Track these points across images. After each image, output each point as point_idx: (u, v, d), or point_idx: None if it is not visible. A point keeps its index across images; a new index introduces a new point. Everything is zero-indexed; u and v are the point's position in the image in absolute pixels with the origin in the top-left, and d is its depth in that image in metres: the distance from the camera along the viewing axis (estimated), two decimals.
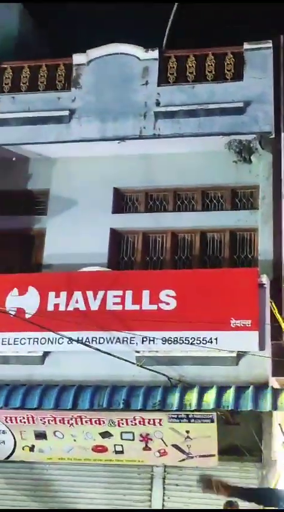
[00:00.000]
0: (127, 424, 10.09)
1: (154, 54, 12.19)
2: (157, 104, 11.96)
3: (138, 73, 12.19)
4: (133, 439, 10.21)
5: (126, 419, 10.07)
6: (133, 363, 10.43)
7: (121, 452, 10.35)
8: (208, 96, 11.84)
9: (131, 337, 10.53)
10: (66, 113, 12.12)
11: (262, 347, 10.29)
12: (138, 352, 10.55)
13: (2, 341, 10.93)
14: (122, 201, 12.55)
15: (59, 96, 12.35)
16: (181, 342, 10.43)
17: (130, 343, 10.54)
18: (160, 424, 10.01)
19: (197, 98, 11.86)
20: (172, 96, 11.99)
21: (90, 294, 10.87)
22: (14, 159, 12.71)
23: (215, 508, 9.84)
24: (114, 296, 10.79)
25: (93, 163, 12.36)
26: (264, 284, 10.60)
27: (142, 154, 12.23)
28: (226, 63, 11.97)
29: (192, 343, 10.38)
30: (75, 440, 10.38)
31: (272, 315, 10.37)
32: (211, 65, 12.08)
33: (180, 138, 11.82)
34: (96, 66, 12.44)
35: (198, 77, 12.03)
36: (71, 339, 10.59)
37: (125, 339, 10.56)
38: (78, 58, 12.48)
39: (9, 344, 10.90)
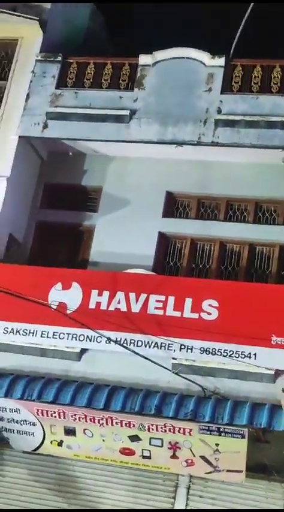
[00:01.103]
0: (157, 430, 10.05)
1: (221, 61, 12.08)
2: (219, 111, 11.85)
3: (203, 79, 12.09)
4: (161, 446, 10.17)
5: (157, 426, 10.03)
6: (168, 370, 10.40)
7: (149, 457, 10.32)
8: (271, 108, 11.68)
9: (169, 344, 10.49)
10: (127, 112, 12.09)
11: None
12: (174, 359, 10.50)
13: (41, 333, 10.99)
14: (173, 206, 12.49)
15: (121, 95, 12.34)
16: (220, 353, 10.34)
17: (168, 349, 10.49)
18: (190, 434, 9.94)
19: (259, 109, 11.71)
20: (234, 105, 11.86)
21: (132, 295, 10.86)
22: (70, 153, 12.77)
23: None
24: (157, 300, 10.76)
25: (149, 165, 12.35)
26: None
27: (198, 160, 12.16)
28: None
29: (230, 356, 10.28)
30: (103, 441, 10.39)
31: None
32: (277, 77, 11.92)
33: (238, 148, 11.70)
34: (161, 68, 12.39)
35: (262, 88, 11.88)
36: (109, 339, 10.60)
37: (163, 345, 10.52)
38: (144, 59, 12.44)
39: (47, 337, 10.95)
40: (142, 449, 10.29)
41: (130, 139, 12.11)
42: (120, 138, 12.16)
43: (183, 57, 12.33)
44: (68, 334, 10.90)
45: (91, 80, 12.61)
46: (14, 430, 10.78)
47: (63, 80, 12.69)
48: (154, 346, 10.54)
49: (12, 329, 11.13)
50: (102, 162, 12.78)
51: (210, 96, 11.97)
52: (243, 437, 9.75)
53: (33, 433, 10.69)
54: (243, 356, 10.26)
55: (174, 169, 12.27)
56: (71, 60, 12.78)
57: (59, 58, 12.73)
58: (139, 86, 12.35)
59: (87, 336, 10.80)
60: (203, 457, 10.09)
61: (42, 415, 10.46)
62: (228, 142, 11.72)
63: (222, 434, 9.83)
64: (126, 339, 10.61)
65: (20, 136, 12.37)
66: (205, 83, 12.06)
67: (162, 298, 10.77)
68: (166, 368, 10.36)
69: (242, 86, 11.99)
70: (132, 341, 10.60)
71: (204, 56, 12.17)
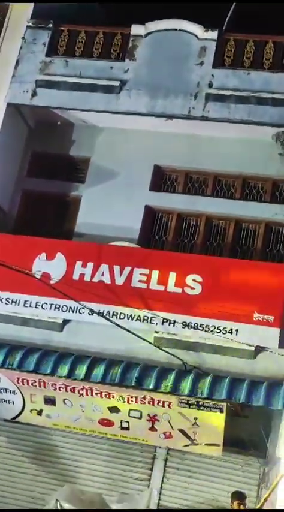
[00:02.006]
0: (136, 402, 10.11)
1: (214, 34, 11.97)
2: (210, 85, 11.76)
3: (195, 52, 11.97)
4: (140, 418, 10.22)
5: (136, 397, 10.08)
6: (150, 343, 10.42)
7: (127, 429, 10.38)
8: (262, 84, 11.61)
9: (152, 317, 10.52)
10: (117, 83, 11.98)
11: (282, 344, 10.21)
12: (157, 332, 10.54)
13: (24, 303, 10.98)
14: (161, 179, 12.43)
15: (111, 65, 12.21)
16: (201, 328, 10.38)
17: (150, 322, 10.53)
18: (169, 407, 10.00)
19: (251, 85, 11.64)
20: (226, 79, 11.77)
21: (116, 268, 10.85)
22: (59, 122, 12.65)
23: (211, 498, 9.93)
24: (141, 274, 10.78)
25: (137, 138, 12.26)
26: None
27: (187, 134, 12.08)
28: None
29: (211, 331, 10.33)
30: (83, 411, 10.44)
31: None
32: (270, 53, 11.84)
33: (228, 123, 11.63)
34: (153, 39, 12.24)
35: (254, 63, 11.81)
36: (92, 310, 10.60)
37: (145, 318, 10.54)
38: (136, 29, 12.29)
39: (30, 307, 10.95)
40: (121, 421, 10.34)
41: (119, 110, 12.02)
42: (109, 108, 12.05)
43: (176, 29, 12.21)
44: (51, 304, 10.90)
45: (82, 49, 12.47)
46: None
47: (54, 48, 12.54)
48: (136, 319, 10.57)
49: None
50: (91, 133, 12.68)
51: (202, 70, 11.88)
52: (222, 411, 9.83)
53: (13, 402, 10.71)
54: (225, 331, 10.30)
55: (163, 142, 12.18)
56: (62, 28, 12.62)
57: (50, 25, 12.56)
58: (130, 56, 12.22)
59: (70, 307, 10.79)
60: (181, 430, 10.16)
61: (23, 383, 10.48)
62: (218, 117, 11.66)
63: (201, 408, 9.90)
64: (108, 311, 10.62)
65: (8, 103, 12.25)
66: (197, 56, 11.95)
67: (146, 271, 10.78)
68: (147, 341, 10.38)
69: (234, 60, 11.92)
70: (115, 313, 10.61)
71: (197, 29, 12.05)
